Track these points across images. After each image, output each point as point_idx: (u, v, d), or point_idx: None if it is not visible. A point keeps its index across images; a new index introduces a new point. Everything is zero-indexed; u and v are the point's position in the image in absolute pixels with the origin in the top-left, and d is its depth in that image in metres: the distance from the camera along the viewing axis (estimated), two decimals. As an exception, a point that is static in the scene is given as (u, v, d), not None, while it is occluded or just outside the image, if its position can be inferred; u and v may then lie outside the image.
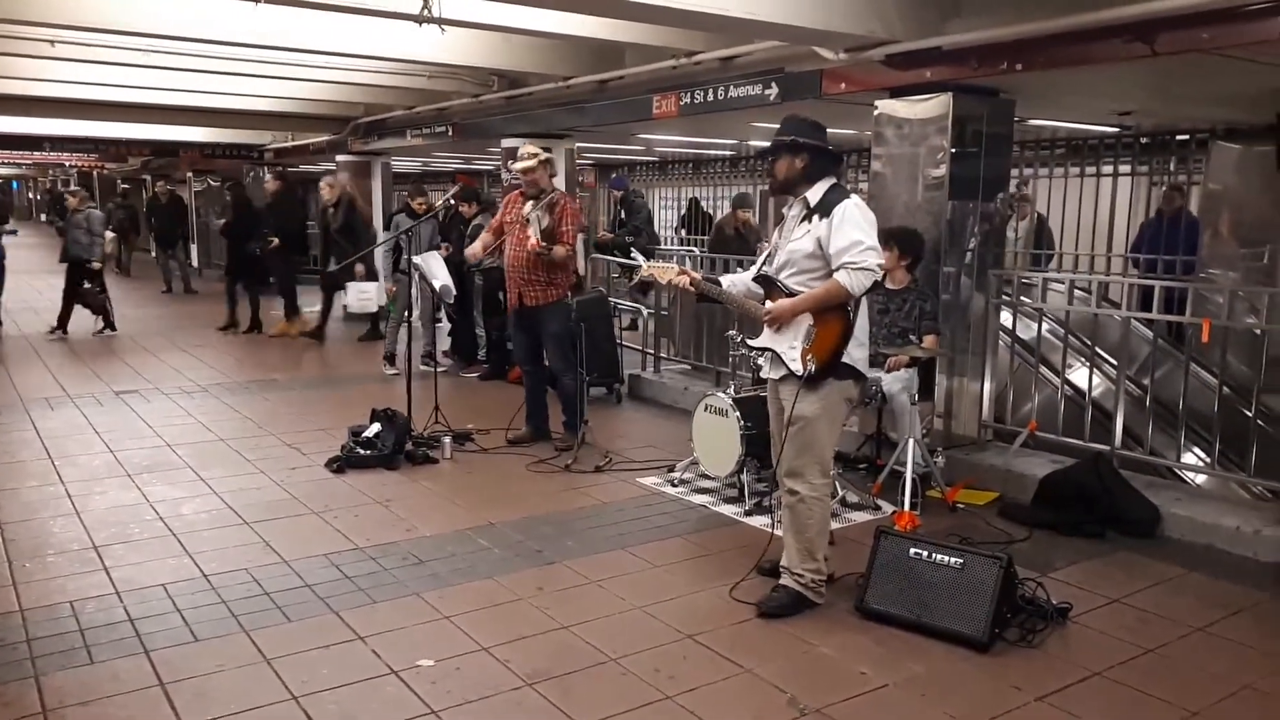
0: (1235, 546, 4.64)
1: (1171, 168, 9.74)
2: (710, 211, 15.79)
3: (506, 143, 9.91)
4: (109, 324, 10.94)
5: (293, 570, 4.20)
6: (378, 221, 13.44)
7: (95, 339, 10.59)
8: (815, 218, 3.70)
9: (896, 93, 5.89)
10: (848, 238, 3.60)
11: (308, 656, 3.42)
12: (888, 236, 5.41)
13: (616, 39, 6.32)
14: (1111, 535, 4.81)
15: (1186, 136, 9.20)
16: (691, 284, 3.99)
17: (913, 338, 5.41)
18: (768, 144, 3.89)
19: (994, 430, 6.14)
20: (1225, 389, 5.43)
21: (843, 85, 6.14)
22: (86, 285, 10.87)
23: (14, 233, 12.14)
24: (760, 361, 4.12)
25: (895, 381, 5.28)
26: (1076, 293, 6.79)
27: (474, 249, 6.32)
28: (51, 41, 7.43)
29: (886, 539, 3.90)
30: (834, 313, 3.69)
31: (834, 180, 3.79)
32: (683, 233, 15.64)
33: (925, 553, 3.77)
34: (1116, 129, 9.24)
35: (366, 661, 3.40)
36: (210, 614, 3.75)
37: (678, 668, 3.39)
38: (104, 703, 3.10)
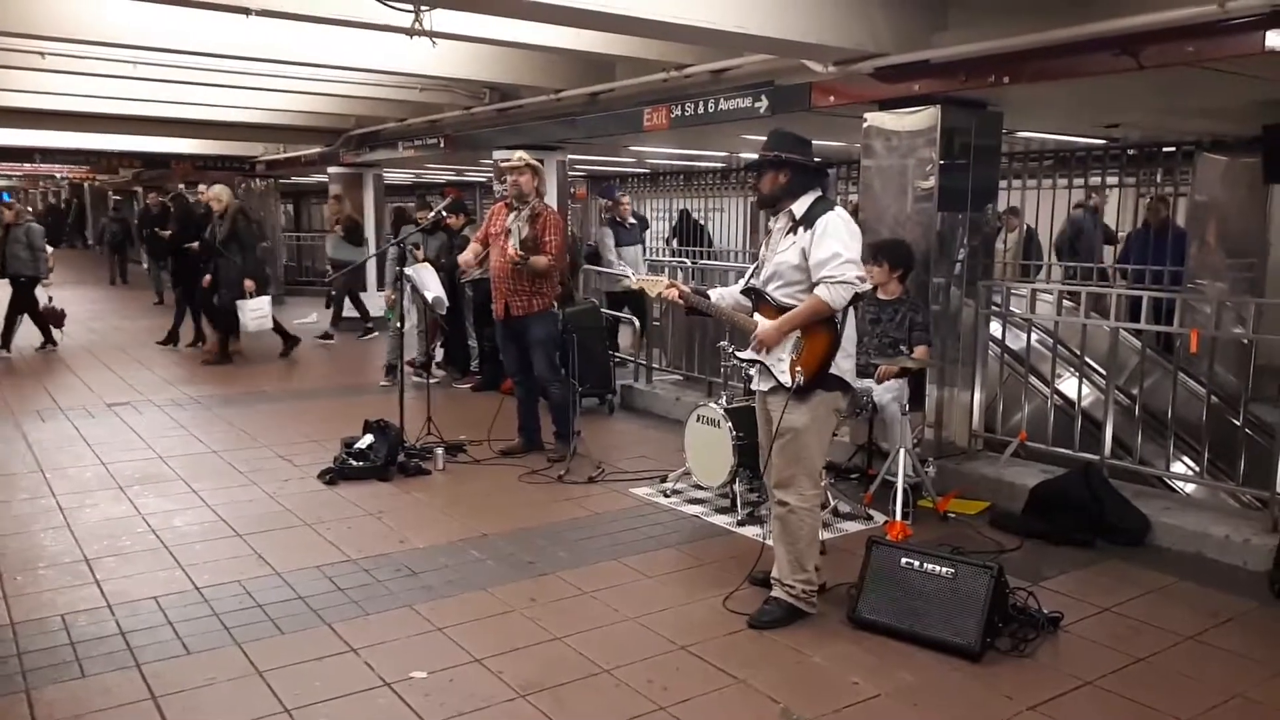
0: (1225, 555, 4.66)
1: (1158, 179, 9.82)
2: (701, 222, 15.87)
3: (498, 154, 9.94)
4: (50, 340, 10.58)
5: (285, 582, 4.20)
6: (373, 230, 13.51)
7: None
8: (800, 230, 3.73)
9: (885, 105, 5.93)
10: (828, 250, 3.63)
11: (300, 669, 3.41)
12: (876, 251, 5.45)
13: (607, 52, 6.36)
14: (1102, 544, 4.84)
15: (1173, 148, 9.28)
16: (680, 297, 4.01)
17: (904, 348, 5.44)
18: (757, 156, 3.92)
19: (984, 440, 6.16)
20: (1214, 398, 5.47)
21: (832, 98, 6.18)
22: (47, 301, 10.57)
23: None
24: (751, 373, 4.14)
25: (886, 392, 5.31)
26: (1065, 303, 6.83)
27: (465, 257, 6.34)
28: (42, 53, 7.43)
29: (878, 549, 3.91)
30: (821, 325, 3.71)
31: (819, 193, 3.82)
32: (674, 243, 15.70)
33: (917, 562, 3.78)
34: (1104, 141, 9.31)
35: (359, 673, 3.39)
36: (202, 626, 3.74)
37: (671, 679, 3.40)
38: (95, 716, 3.08)
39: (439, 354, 9.33)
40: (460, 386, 8.84)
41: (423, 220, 8.92)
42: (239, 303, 9.45)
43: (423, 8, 5.18)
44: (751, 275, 3.97)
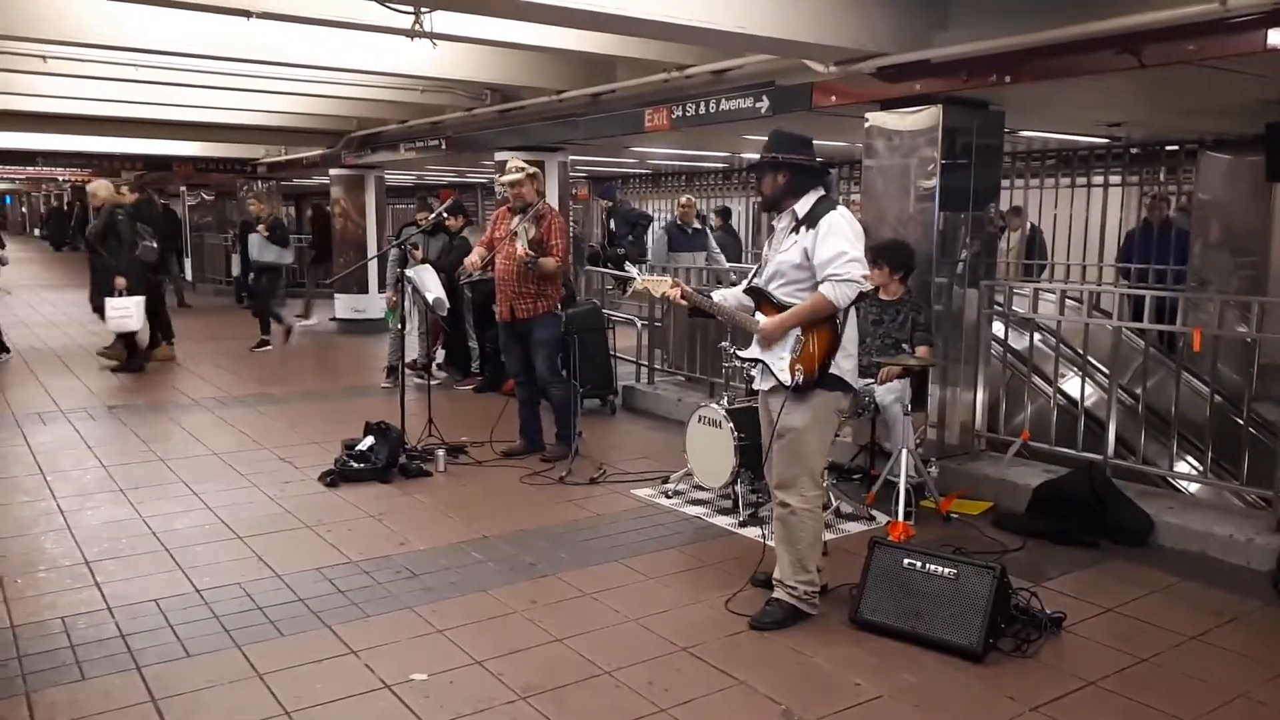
0: (1228, 555, 4.64)
1: (1161, 178, 9.81)
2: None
3: (499, 156, 9.94)
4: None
5: (285, 584, 4.19)
6: (374, 233, 13.53)
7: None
8: (803, 229, 3.73)
9: (887, 105, 5.92)
10: (832, 249, 3.62)
11: (301, 671, 3.41)
12: (875, 254, 5.43)
13: (608, 53, 6.35)
14: (1105, 544, 4.82)
15: (1176, 147, 9.26)
16: (683, 296, 4.01)
17: (906, 348, 5.43)
18: (758, 156, 3.91)
19: (987, 440, 6.15)
20: (1217, 397, 5.45)
21: (833, 98, 6.17)
22: None
23: (3, 262, 11.49)
24: (753, 373, 4.13)
25: (888, 392, 5.29)
26: (1068, 302, 6.81)
27: (471, 259, 6.32)
28: (44, 57, 7.43)
29: (880, 549, 3.90)
30: (822, 324, 3.70)
31: (822, 192, 3.82)
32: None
33: (919, 563, 3.77)
34: (1106, 140, 9.30)
35: (360, 675, 3.38)
36: (203, 629, 3.73)
37: (672, 680, 3.39)
38: (95, 719, 3.08)
39: (440, 355, 9.33)
40: (461, 388, 8.84)
41: (423, 222, 8.92)
42: (106, 300, 9.10)
43: (423, 9, 5.19)
44: (754, 275, 3.97)
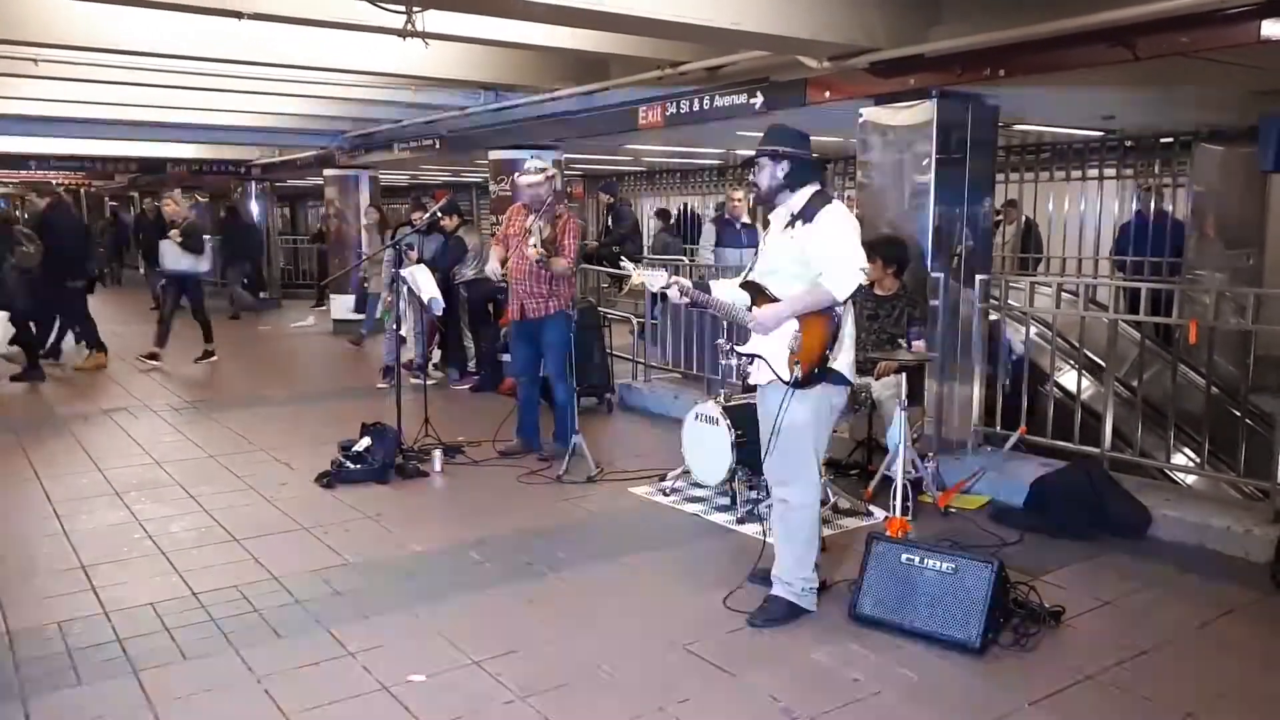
0: (1226, 546, 4.64)
1: (1156, 170, 9.81)
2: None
3: (494, 154, 9.92)
4: None
5: (283, 587, 4.17)
6: (362, 233, 13.48)
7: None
8: (799, 224, 3.72)
9: (881, 100, 5.91)
10: (830, 243, 3.62)
11: (298, 674, 3.39)
12: (870, 249, 5.39)
13: (602, 50, 6.34)
14: (1103, 537, 4.81)
15: (1171, 139, 9.27)
16: (680, 291, 3.99)
17: (902, 343, 5.42)
18: (753, 153, 3.90)
19: (984, 434, 6.14)
20: (1214, 389, 5.45)
21: (827, 93, 6.16)
22: None
23: None
24: (750, 369, 4.12)
25: (885, 387, 5.29)
26: (1064, 295, 6.81)
27: (492, 266, 6.24)
28: (35, 60, 7.40)
29: (878, 545, 3.89)
30: (820, 318, 3.69)
31: (818, 187, 3.81)
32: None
33: (917, 558, 3.76)
34: (1101, 132, 9.30)
35: (358, 678, 3.37)
36: (199, 632, 3.72)
37: (671, 678, 3.38)
38: (92, 724, 3.07)
39: (436, 355, 9.31)
40: (457, 388, 8.83)
41: (418, 221, 8.90)
42: None
43: (415, 9, 5.17)
44: (749, 269, 3.96)
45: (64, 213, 10.32)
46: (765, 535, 4.19)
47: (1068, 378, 7.15)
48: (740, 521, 5.03)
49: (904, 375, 5.34)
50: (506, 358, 8.20)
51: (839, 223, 3.67)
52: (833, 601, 3.97)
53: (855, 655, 3.57)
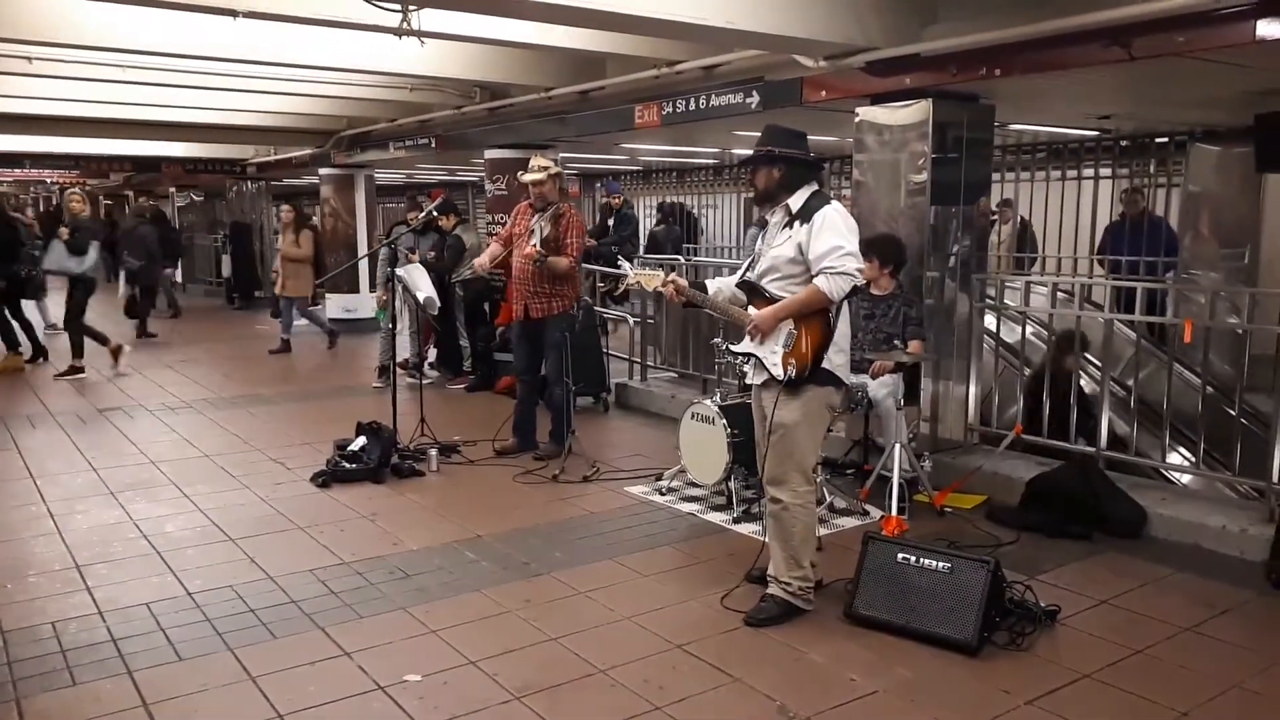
0: (1222, 546, 4.65)
1: (1151, 170, 9.81)
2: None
3: (490, 154, 9.90)
4: None
5: (278, 586, 4.17)
6: (364, 232, 13.47)
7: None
8: (796, 224, 3.72)
9: (877, 99, 5.91)
10: (827, 243, 3.62)
11: (294, 674, 3.39)
12: (866, 247, 5.41)
13: (598, 49, 6.34)
14: (1098, 537, 4.82)
15: (1166, 139, 9.27)
16: (677, 291, 3.99)
17: (898, 343, 5.42)
18: (750, 152, 3.90)
19: (980, 434, 6.15)
20: (1209, 389, 5.46)
21: (823, 93, 6.16)
22: None
23: None
24: (745, 368, 4.12)
25: (881, 387, 5.29)
26: (1059, 295, 6.82)
27: (481, 260, 6.27)
28: (29, 58, 7.38)
29: (874, 544, 3.89)
30: (815, 318, 3.70)
31: (815, 187, 3.82)
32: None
33: (913, 557, 3.76)
34: (1097, 132, 9.30)
35: (353, 678, 3.36)
36: (194, 632, 3.71)
37: (667, 678, 3.38)
38: (86, 725, 3.06)
39: (431, 355, 9.29)
40: (453, 387, 8.82)
41: (413, 221, 8.88)
42: None
43: (410, 7, 5.16)
44: (747, 269, 3.96)
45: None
46: (762, 535, 4.19)
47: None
48: (736, 521, 5.03)
49: (900, 375, 5.34)
50: (503, 357, 8.21)
51: (836, 222, 3.67)
52: (829, 601, 3.97)
53: (851, 655, 3.57)
